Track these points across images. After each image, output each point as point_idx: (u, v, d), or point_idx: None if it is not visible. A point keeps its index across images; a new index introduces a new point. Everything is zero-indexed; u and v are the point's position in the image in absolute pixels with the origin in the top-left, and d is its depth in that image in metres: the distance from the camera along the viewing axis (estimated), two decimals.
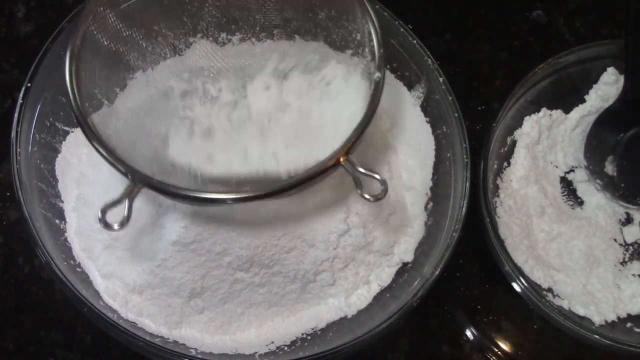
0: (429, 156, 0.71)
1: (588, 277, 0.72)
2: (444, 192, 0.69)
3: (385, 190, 0.52)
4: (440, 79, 0.69)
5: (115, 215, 0.51)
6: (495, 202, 0.73)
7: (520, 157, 0.75)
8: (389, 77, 0.73)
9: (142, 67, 0.61)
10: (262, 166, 0.55)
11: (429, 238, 0.69)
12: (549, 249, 0.73)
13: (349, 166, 0.52)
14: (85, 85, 0.54)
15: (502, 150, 0.76)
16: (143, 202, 0.61)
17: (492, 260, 0.69)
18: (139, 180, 0.51)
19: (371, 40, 0.58)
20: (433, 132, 0.72)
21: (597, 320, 0.70)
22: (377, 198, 0.52)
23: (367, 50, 0.58)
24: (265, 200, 0.52)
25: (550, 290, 0.72)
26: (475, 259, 0.77)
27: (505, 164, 0.76)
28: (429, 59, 0.69)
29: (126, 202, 0.50)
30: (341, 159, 0.52)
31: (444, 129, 0.70)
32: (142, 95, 0.61)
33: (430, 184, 0.71)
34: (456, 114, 0.68)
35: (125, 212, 0.50)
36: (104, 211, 0.50)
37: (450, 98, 0.68)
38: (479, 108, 0.82)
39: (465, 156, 0.67)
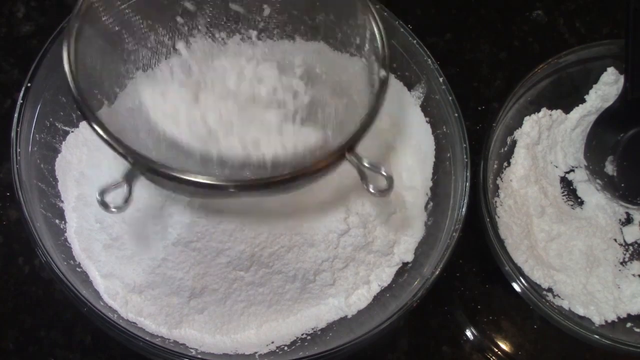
0: (429, 156, 0.72)
1: (588, 277, 0.72)
2: (444, 192, 0.69)
3: (391, 186, 0.51)
4: (440, 79, 0.69)
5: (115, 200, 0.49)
6: (495, 202, 0.73)
7: (520, 157, 0.75)
8: (389, 77, 0.73)
9: (141, 67, 0.61)
10: (267, 150, 0.54)
11: (429, 238, 0.69)
12: (549, 249, 0.73)
13: (354, 160, 0.51)
14: (84, 66, 0.52)
15: (502, 150, 0.76)
16: (143, 201, 0.61)
17: (492, 260, 0.69)
18: (139, 161, 0.49)
19: (374, 40, 0.57)
20: (433, 132, 0.72)
21: (597, 320, 0.70)
22: (383, 194, 0.51)
23: (369, 48, 0.58)
24: (267, 191, 0.51)
25: (550, 290, 0.72)
26: (475, 259, 0.77)
27: (505, 164, 0.76)
28: (429, 59, 0.69)
29: (125, 185, 0.48)
30: (346, 154, 0.51)
31: (444, 129, 0.70)
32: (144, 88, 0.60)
33: (430, 184, 0.71)
34: (456, 114, 0.68)
35: (125, 194, 0.48)
36: (102, 193, 0.48)
37: (450, 98, 0.68)
38: (479, 108, 0.82)
39: (465, 156, 0.67)
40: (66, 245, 0.64)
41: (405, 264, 0.69)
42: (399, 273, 0.69)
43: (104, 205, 0.48)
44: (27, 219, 0.59)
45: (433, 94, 0.71)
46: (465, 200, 0.66)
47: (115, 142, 0.49)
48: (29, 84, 0.61)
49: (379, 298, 0.68)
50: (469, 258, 0.76)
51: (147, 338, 0.60)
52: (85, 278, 0.63)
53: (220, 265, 0.62)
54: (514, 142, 0.76)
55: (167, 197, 0.61)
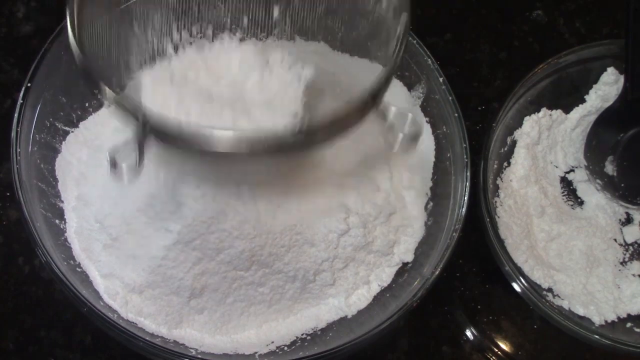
0: (429, 156, 0.71)
1: (588, 277, 0.72)
2: (444, 192, 0.69)
3: (420, 129, 0.50)
4: (440, 79, 0.69)
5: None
6: (495, 202, 0.73)
7: (520, 157, 0.75)
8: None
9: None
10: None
11: (429, 238, 0.69)
12: (549, 249, 0.73)
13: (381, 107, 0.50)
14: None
15: (502, 150, 0.76)
16: (144, 202, 0.62)
17: (492, 260, 0.69)
18: (149, 118, 0.45)
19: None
20: (433, 132, 0.72)
21: (597, 320, 0.70)
22: (415, 136, 0.50)
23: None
24: (291, 146, 0.46)
25: (550, 290, 0.72)
26: (475, 259, 0.77)
27: (505, 164, 0.76)
28: (429, 59, 0.69)
29: (137, 145, 0.45)
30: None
31: (444, 129, 0.70)
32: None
33: (430, 184, 0.71)
34: (456, 114, 0.68)
35: (137, 156, 0.45)
36: (113, 155, 0.45)
37: (450, 98, 0.68)
38: (479, 108, 0.82)
39: (465, 156, 0.67)
40: (66, 245, 0.64)
41: (405, 264, 0.69)
42: (399, 273, 0.69)
43: (116, 169, 0.45)
44: (27, 219, 0.59)
45: (433, 94, 0.71)
46: (465, 200, 0.66)
47: (125, 98, 0.45)
48: (29, 84, 0.61)
49: (379, 298, 0.68)
50: (469, 258, 0.76)
51: (147, 338, 0.60)
52: (85, 278, 0.63)
53: (220, 265, 0.62)
54: (514, 142, 0.76)
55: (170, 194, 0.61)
